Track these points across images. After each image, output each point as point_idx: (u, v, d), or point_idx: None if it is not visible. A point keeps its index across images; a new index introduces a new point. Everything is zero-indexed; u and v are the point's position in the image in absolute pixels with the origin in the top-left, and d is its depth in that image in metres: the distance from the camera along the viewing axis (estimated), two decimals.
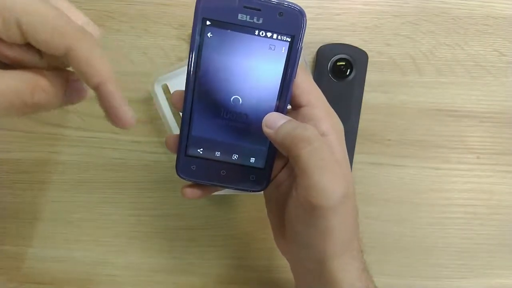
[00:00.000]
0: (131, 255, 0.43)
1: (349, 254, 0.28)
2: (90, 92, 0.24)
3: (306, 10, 0.41)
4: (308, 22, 0.28)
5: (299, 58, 0.28)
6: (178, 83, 0.40)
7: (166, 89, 0.40)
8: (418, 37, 0.42)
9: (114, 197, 0.42)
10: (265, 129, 0.28)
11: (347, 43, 0.42)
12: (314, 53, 0.42)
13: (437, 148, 0.43)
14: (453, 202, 0.43)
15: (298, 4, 0.28)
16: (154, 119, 0.42)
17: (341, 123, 0.30)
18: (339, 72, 0.41)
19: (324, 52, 0.41)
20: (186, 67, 0.29)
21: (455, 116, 0.43)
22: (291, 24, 0.28)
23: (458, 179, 0.43)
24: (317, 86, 0.30)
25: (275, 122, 0.28)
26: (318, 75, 0.41)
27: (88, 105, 0.42)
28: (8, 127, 0.42)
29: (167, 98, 0.40)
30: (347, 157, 0.29)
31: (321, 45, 0.41)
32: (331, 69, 0.41)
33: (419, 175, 0.43)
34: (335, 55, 0.41)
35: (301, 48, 0.28)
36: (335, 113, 0.30)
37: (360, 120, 0.42)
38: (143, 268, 0.43)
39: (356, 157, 0.42)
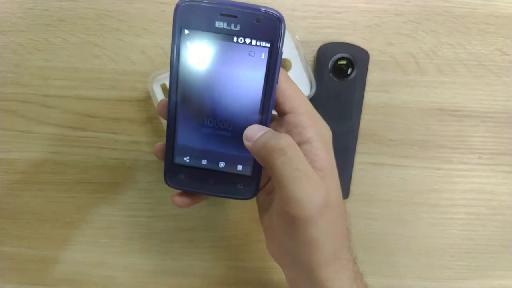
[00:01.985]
0: (130, 256, 0.43)
1: (338, 263, 0.28)
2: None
3: (307, 9, 0.41)
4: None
5: (280, 63, 0.28)
6: None
7: (165, 89, 0.40)
8: (419, 36, 0.42)
9: (113, 198, 0.42)
10: (245, 142, 0.28)
11: (348, 42, 0.41)
12: (315, 52, 0.41)
13: (438, 148, 0.42)
14: (454, 202, 0.43)
15: (276, 10, 0.27)
16: (152, 119, 0.41)
17: (328, 128, 0.29)
18: (340, 72, 0.41)
19: (325, 51, 0.41)
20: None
21: (457, 116, 0.42)
22: (269, 30, 0.27)
23: (460, 179, 0.43)
24: (301, 92, 0.30)
25: (253, 135, 0.28)
26: (319, 74, 0.41)
27: (87, 105, 0.41)
28: (5, 127, 0.42)
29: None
30: (334, 164, 0.29)
31: (322, 44, 0.41)
32: (332, 68, 0.41)
33: (420, 175, 0.42)
34: (336, 54, 0.41)
35: (281, 54, 0.28)
36: (321, 118, 0.30)
37: (361, 120, 0.41)
38: (142, 269, 0.43)
39: (357, 157, 0.42)
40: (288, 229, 0.27)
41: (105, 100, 0.41)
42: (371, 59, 0.41)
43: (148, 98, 0.41)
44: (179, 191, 0.31)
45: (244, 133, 0.28)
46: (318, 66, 0.41)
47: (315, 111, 0.30)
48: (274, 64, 0.28)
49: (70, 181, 0.42)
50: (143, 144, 0.42)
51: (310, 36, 0.41)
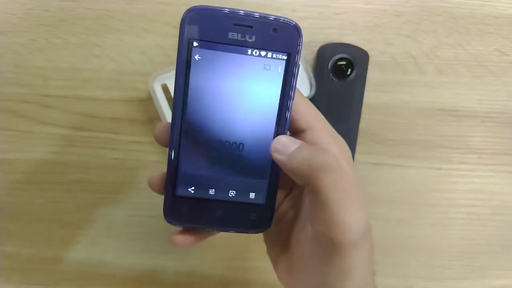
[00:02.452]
0: (131, 256, 0.42)
1: None
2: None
3: (307, 9, 0.41)
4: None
5: (297, 77, 0.26)
6: None
7: (165, 89, 0.40)
8: (419, 36, 0.42)
9: (113, 198, 0.42)
10: (276, 155, 0.25)
11: (348, 42, 0.41)
12: (315, 52, 0.41)
13: (438, 148, 0.42)
14: (454, 202, 0.43)
15: (293, 19, 0.26)
16: (153, 119, 0.42)
17: (347, 145, 0.27)
18: (340, 72, 0.41)
19: (324, 52, 0.41)
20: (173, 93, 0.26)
21: (457, 116, 0.42)
22: (286, 41, 0.25)
23: (460, 179, 0.43)
24: (315, 108, 0.27)
25: (287, 147, 0.25)
26: (319, 75, 0.41)
27: (88, 105, 0.41)
28: (5, 127, 0.42)
29: (166, 98, 0.40)
30: (360, 184, 0.27)
31: (321, 44, 0.41)
32: (332, 68, 0.41)
33: (420, 175, 0.42)
34: (336, 55, 0.41)
35: (299, 66, 0.26)
36: (338, 134, 0.27)
37: (361, 120, 0.41)
38: (143, 269, 0.42)
39: (357, 157, 0.42)
40: (323, 256, 0.25)
41: (106, 100, 0.41)
42: (371, 59, 0.41)
43: (148, 98, 0.41)
44: (179, 228, 0.28)
45: (273, 145, 0.25)
46: (318, 66, 0.41)
47: (331, 127, 0.27)
48: (291, 77, 0.26)
49: (70, 181, 0.42)
50: (144, 144, 0.42)
51: (310, 37, 0.41)
